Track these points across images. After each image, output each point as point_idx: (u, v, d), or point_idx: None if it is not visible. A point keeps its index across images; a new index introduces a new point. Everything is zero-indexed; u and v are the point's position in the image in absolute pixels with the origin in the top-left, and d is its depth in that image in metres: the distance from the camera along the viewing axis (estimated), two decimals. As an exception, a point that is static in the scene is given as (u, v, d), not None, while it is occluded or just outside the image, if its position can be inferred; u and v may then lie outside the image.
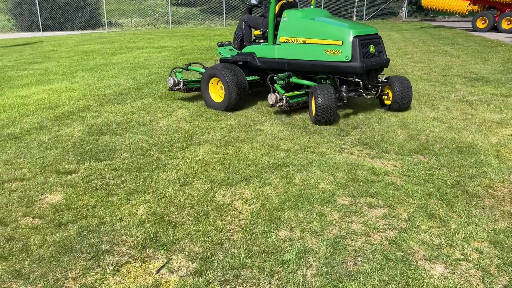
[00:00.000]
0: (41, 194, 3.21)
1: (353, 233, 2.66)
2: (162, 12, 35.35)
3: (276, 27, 5.50)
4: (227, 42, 6.45)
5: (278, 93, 5.06)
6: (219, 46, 6.38)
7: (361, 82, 4.92)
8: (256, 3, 6.16)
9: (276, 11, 5.48)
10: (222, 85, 5.45)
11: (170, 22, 25.85)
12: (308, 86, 5.19)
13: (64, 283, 2.25)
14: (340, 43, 4.81)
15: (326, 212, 2.90)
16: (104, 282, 2.26)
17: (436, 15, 26.42)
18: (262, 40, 5.97)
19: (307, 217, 2.83)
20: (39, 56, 11.77)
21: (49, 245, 2.57)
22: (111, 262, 2.40)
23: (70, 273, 2.32)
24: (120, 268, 2.37)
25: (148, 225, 2.78)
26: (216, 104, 5.62)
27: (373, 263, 2.35)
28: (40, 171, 3.60)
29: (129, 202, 3.09)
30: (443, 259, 2.40)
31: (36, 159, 3.87)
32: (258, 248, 2.50)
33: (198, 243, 2.57)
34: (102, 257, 2.46)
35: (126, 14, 33.96)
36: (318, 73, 5.32)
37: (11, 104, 5.94)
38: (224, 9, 24.49)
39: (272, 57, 5.47)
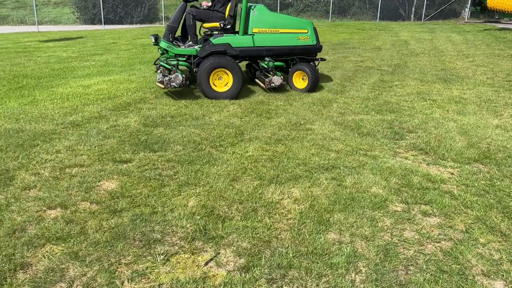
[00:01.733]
0: (99, 181, 3.36)
1: (405, 241, 2.57)
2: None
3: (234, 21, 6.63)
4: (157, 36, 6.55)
5: (277, 75, 6.34)
6: (157, 41, 6.41)
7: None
8: None
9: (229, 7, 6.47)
10: (223, 75, 6.00)
11: (225, 18, 26.11)
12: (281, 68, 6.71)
13: (117, 268, 2.33)
14: (307, 31, 6.50)
15: (378, 218, 2.82)
16: (155, 270, 2.32)
17: (502, 17, 24.94)
18: (216, 32, 6.47)
19: (358, 221, 2.76)
20: (100, 48, 12.31)
21: (104, 230, 2.68)
22: (162, 252, 2.47)
23: (123, 258, 2.41)
24: (170, 258, 2.43)
25: (198, 217, 2.83)
26: (219, 93, 6.03)
27: (427, 274, 2.26)
28: (98, 159, 3.77)
29: (180, 194, 3.16)
30: (503, 275, 2.26)
31: (95, 146, 4.05)
32: (306, 249, 2.47)
33: (246, 239, 2.58)
34: (153, 245, 2.53)
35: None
36: (294, 55, 6.61)
37: (74, 93, 6.25)
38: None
39: (249, 46, 6.27)
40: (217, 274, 2.29)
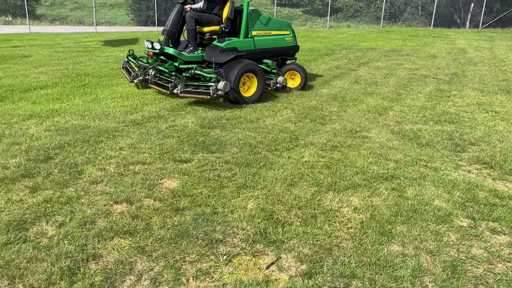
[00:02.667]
0: (161, 179, 3.47)
1: (473, 258, 2.47)
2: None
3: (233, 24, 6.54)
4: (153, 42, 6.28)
5: (280, 75, 6.62)
6: (156, 47, 6.11)
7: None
8: None
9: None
10: (247, 80, 6.01)
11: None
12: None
13: (182, 265, 2.40)
14: (289, 33, 7.06)
15: (442, 232, 2.73)
16: (218, 270, 2.37)
17: None
18: (214, 36, 6.46)
19: (421, 235, 2.69)
20: (154, 49, 12.70)
21: (168, 227, 2.76)
22: (224, 252, 2.52)
23: (187, 256, 2.48)
24: (232, 259, 2.47)
25: (257, 220, 2.86)
26: (246, 98, 5.95)
27: (498, 294, 2.17)
28: (159, 157, 3.89)
29: (239, 196, 3.21)
30: None
31: (156, 145, 4.18)
32: (369, 259, 2.44)
33: (307, 245, 2.58)
34: (215, 245, 2.59)
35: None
36: (282, 56, 7.09)
37: (133, 93, 6.49)
38: (329, 11, 24.25)
39: (252, 48, 6.43)
40: (279, 279, 2.30)
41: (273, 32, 6.81)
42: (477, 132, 4.77)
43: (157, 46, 6.00)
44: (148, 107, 5.63)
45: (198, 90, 5.53)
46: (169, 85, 5.65)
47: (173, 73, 6.10)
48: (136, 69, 6.61)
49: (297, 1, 37.76)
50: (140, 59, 6.79)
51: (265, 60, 6.65)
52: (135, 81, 6.27)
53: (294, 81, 7.00)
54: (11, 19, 28.20)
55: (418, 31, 19.56)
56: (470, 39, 15.82)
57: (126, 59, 7.03)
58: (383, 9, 24.11)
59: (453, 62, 10.08)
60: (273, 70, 6.58)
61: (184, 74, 5.81)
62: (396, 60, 10.54)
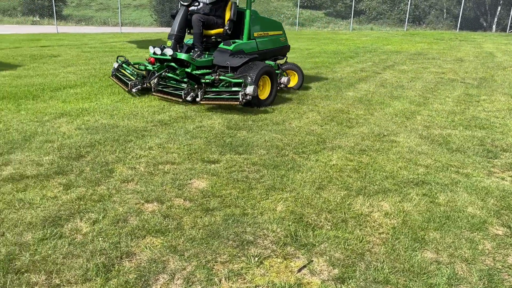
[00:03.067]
0: (190, 179, 3.50)
1: (510, 268, 2.41)
2: (287, 13, 36.15)
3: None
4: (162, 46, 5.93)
5: (283, 75, 6.71)
6: (168, 53, 5.76)
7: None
8: None
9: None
10: (261, 83, 5.95)
11: (297, 24, 26.21)
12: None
13: (214, 265, 2.41)
14: (282, 32, 7.17)
15: (477, 240, 2.67)
16: (250, 271, 2.37)
17: None
18: (219, 39, 6.36)
19: (455, 242, 2.64)
20: (178, 50, 12.84)
21: (199, 228, 2.78)
22: (255, 254, 2.52)
23: (219, 257, 2.49)
24: (263, 261, 2.47)
25: (287, 223, 2.85)
26: (262, 101, 5.90)
27: (539, 306, 2.11)
28: (188, 157, 3.92)
29: (268, 198, 3.21)
30: None
31: (184, 146, 4.22)
32: (402, 265, 2.41)
33: (338, 250, 2.56)
34: (246, 247, 2.59)
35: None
36: (278, 55, 7.15)
37: (159, 93, 6.57)
38: (352, 13, 24.08)
39: (255, 50, 6.46)
40: (312, 282, 2.29)
41: (270, 33, 6.86)
42: (509, 138, 4.66)
43: (169, 52, 5.67)
44: (175, 108, 5.68)
45: (223, 97, 5.44)
46: (182, 93, 5.56)
47: (185, 79, 5.82)
48: (131, 77, 6.32)
49: (320, 3, 37.61)
50: (135, 66, 6.54)
51: (267, 62, 6.61)
52: (134, 90, 6.07)
53: (292, 81, 7.11)
54: (38, 19, 28.93)
55: (443, 34, 19.23)
56: (498, 42, 15.47)
57: (116, 67, 6.63)
58: (407, 12, 23.77)
59: (481, 66, 9.88)
60: (277, 71, 6.50)
61: (204, 80, 5.59)
62: (422, 63, 10.39)
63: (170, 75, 5.85)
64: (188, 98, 5.53)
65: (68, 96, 6.24)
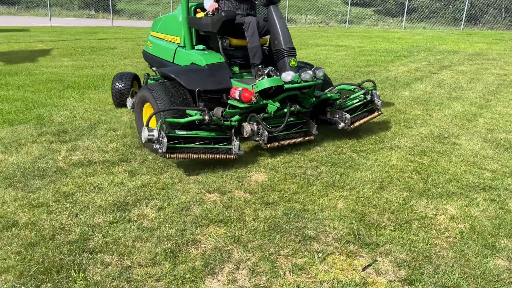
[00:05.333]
0: (248, 172, 3.53)
1: None
2: (335, 11, 35.62)
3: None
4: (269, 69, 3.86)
5: None
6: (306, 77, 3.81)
7: None
8: None
9: None
10: None
11: (347, 22, 25.78)
12: None
13: (277, 258, 2.43)
14: None
15: (554, 251, 2.53)
16: (313, 266, 2.37)
17: None
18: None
19: (530, 251, 2.52)
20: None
21: (260, 220, 2.81)
22: (318, 250, 2.51)
23: (282, 250, 2.50)
24: (326, 257, 2.45)
25: (349, 221, 2.82)
26: None
27: None
28: (245, 151, 3.96)
29: (327, 195, 3.19)
30: None
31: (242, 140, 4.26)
32: (473, 272, 2.32)
33: (404, 251, 2.50)
34: (308, 242, 2.59)
35: (301, 10, 35.21)
36: None
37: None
38: (405, 11, 23.38)
39: None
40: (377, 282, 2.26)
41: None
42: None
43: (307, 76, 3.81)
44: (230, 102, 5.75)
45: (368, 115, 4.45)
46: (312, 128, 4.07)
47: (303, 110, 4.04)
48: (222, 137, 3.66)
49: (370, 0, 36.80)
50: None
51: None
52: (239, 153, 3.56)
53: None
54: (93, 12, 30.17)
55: (503, 35, 18.29)
56: None
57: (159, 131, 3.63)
58: (464, 10, 22.77)
59: (547, 69, 9.31)
60: None
61: (335, 108, 4.32)
62: (482, 64, 9.93)
63: (299, 108, 3.98)
64: (341, 125, 4.23)
65: (127, 87, 6.46)
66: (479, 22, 28.64)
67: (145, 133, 3.25)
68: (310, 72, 3.80)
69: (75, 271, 2.23)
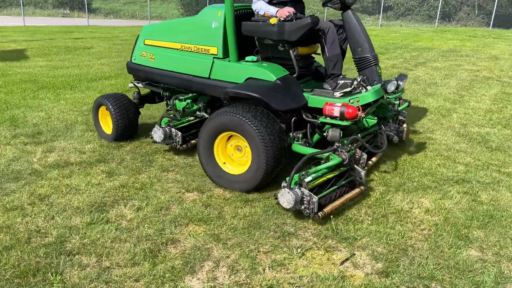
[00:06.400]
0: (228, 170, 3.54)
1: (559, 269, 2.36)
2: (313, 9, 35.85)
3: None
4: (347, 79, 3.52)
5: None
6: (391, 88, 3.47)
7: None
8: None
9: None
10: None
11: (325, 20, 25.94)
12: None
13: (256, 255, 2.45)
14: None
15: (523, 240, 2.62)
16: (292, 262, 2.39)
17: None
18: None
19: (501, 241, 2.60)
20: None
21: (240, 217, 2.82)
22: (297, 245, 2.54)
23: (261, 247, 2.52)
24: (305, 253, 2.48)
25: (327, 217, 2.85)
26: None
27: None
28: (224, 149, 3.97)
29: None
30: None
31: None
32: (447, 262, 2.39)
33: (380, 244, 2.56)
34: (288, 238, 2.61)
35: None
36: None
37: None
38: (381, 9, 23.71)
39: None
40: (355, 275, 2.30)
41: None
42: (551, 139, 4.53)
43: (392, 87, 3.46)
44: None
45: None
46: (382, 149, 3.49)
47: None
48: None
49: (346, -2, 37.08)
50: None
51: None
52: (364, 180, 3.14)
53: None
54: (68, 11, 29.59)
55: (476, 31, 18.71)
56: (534, 40, 14.97)
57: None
58: (439, 8, 23.23)
59: (517, 65, 9.60)
60: None
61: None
62: (455, 60, 10.16)
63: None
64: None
65: (104, 87, 6.38)
66: (453, 19, 29.24)
67: (289, 197, 2.65)
68: (396, 82, 3.48)
69: (52, 274, 2.20)
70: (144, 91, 4.44)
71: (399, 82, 3.53)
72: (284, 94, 3.26)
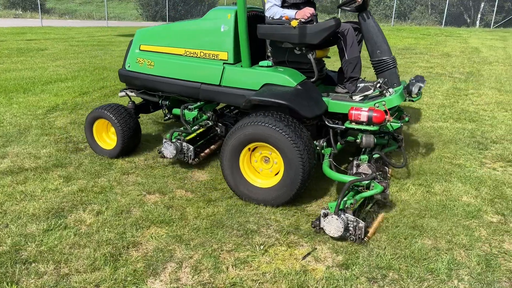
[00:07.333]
0: (191, 172, 3.52)
1: (505, 253, 2.51)
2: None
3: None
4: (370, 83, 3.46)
5: None
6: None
7: None
8: None
9: None
10: None
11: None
12: None
13: (220, 254, 2.45)
14: None
15: (473, 227, 2.77)
16: (255, 259, 2.42)
17: None
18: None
19: (453, 229, 2.73)
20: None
21: (203, 218, 2.82)
22: (260, 242, 2.57)
23: (224, 246, 2.53)
24: (268, 249, 2.51)
25: (290, 213, 2.90)
26: None
27: (535, 288, 2.20)
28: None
29: (268, 189, 3.25)
30: None
31: (181, 138, 4.24)
32: (403, 252, 2.48)
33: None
34: (251, 236, 2.64)
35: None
36: None
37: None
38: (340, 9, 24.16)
39: None
40: (317, 269, 2.35)
41: None
42: (498, 131, 4.79)
43: (416, 90, 3.50)
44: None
45: None
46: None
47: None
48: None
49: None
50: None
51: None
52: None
53: None
54: (21, 12, 28.39)
55: (429, 30, 19.47)
56: (482, 38, 15.74)
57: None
58: (394, 7, 23.98)
59: (467, 61, 10.06)
60: None
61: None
62: (410, 58, 10.53)
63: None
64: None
65: (59, 89, 6.18)
66: (408, 18, 30.26)
67: (339, 224, 2.51)
68: (419, 84, 3.42)
69: (7, 284, 2.12)
70: (137, 100, 4.20)
71: (420, 84, 3.45)
72: (308, 100, 3.12)
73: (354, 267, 2.35)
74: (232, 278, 2.24)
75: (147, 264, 2.33)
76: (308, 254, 2.48)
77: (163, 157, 3.47)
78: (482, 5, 27.99)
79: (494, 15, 23.10)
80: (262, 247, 2.52)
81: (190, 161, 3.47)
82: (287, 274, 2.29)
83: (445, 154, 4.05)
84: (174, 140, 3.42)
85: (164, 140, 3.42)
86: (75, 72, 7.53)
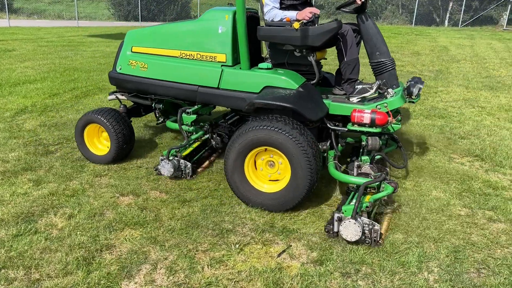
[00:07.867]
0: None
1: (473, 245, 2.59)
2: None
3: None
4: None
5: None
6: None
7: None
8: None
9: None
10: None
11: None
12: None
13: (195, 254, 2.45)
14: None
15: (442, 221, 2.85)
16: (231, 258, 2.42)
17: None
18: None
19: (423, 223, 2.81)
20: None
21: (177, 218, 2.80)
22: (235, 241, 2.57)
23: (199, 246, 2.53)
24: (244, 248, 2.53)
25: (265, 212, 2.92)
26: None
27: (500, 277, 2.29)
28: (160, 152, 3.90)
29: (243, 188, 3.26)
30: None
31: (155, 140, 4.19)
32: (375, 246, 2.53)
33: (315, 234, 2.66)
34: (226, 235, 2.64)
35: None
36: None
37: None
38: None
39: None
40: (292, 266, 2.37)
41: None
42: (466, 127, 4.94)
43: (417, 91, 3.44)
44: (143, 102, 5.62)
45: None
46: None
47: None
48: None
49: None
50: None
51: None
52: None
53: None
54: (-13, 12, 27.46)
55: (400, 29, 19.89)
56: (451, 37, 16.19)
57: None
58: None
59: (437, 59, 10.33)
60: None
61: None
62: (382, 57, 10.74)
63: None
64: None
65: (28, 91, 6.02)
66: (380, 18, 30.82)
67: (357, 228, 2.50)
68: (419, 85, 3.39)
69: (-26, 292, 2.06)
70: (128, 103, 4.07)
71: (420, 85, 3.43)
72: (311, 102, 3.09)
73: (328, 263, 2.39)
74: (208, 278, 2.24)
75: (121, 267, 2.30)
76: (283, 251, 2.51)
77: (160, 174, 3.42)
78: (450, 5, 28.75)
79: (462, 14, 23.77)
80: (237, 246, 2.53)
81: (188, 178, 3.41)
82: (262, 271, 2.30)
83: (415, 150, 4.15)
84: (171, 158, 3.35)
85: (161, 158, 3.35)
86: (44, 73, 7.35)
